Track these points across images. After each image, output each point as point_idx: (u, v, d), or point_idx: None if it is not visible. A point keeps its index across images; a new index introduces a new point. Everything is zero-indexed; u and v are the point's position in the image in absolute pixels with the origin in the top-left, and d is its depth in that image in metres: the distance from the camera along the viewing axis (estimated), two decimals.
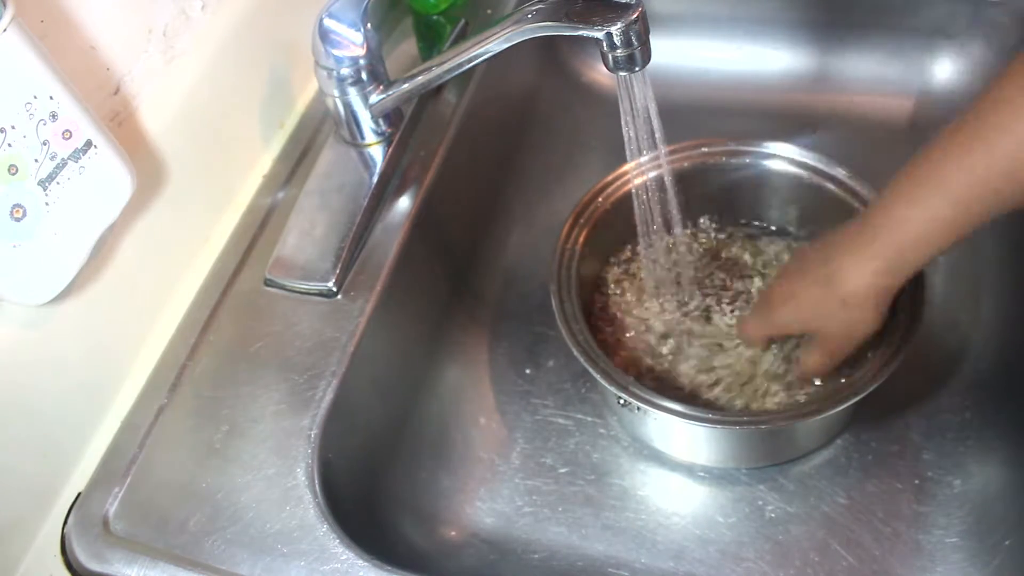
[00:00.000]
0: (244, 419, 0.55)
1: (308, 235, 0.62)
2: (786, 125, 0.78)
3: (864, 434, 0.61)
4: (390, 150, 0.66)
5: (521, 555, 0.59)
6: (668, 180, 0.59)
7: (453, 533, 0.60)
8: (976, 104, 0.48)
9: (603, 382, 0.56)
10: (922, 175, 0.50)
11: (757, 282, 0.66)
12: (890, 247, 0.51)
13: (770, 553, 0.57)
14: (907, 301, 0.56)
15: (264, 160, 0.69)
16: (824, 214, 0.65)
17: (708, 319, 0.65)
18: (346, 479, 0.56)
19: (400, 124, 0.67)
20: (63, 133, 0.47)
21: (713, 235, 0.70)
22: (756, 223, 0.70)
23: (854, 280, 0.52)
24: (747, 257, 0.68)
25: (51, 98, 0.46)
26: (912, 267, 0.52)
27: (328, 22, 0.59)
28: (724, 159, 0.66)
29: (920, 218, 0.50)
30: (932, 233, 0.50)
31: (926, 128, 0.76)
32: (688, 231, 0.69)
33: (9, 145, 0.44)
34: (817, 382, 0.60)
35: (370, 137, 0.65)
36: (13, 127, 0.44)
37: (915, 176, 0.50)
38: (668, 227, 0.62)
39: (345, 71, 0.61)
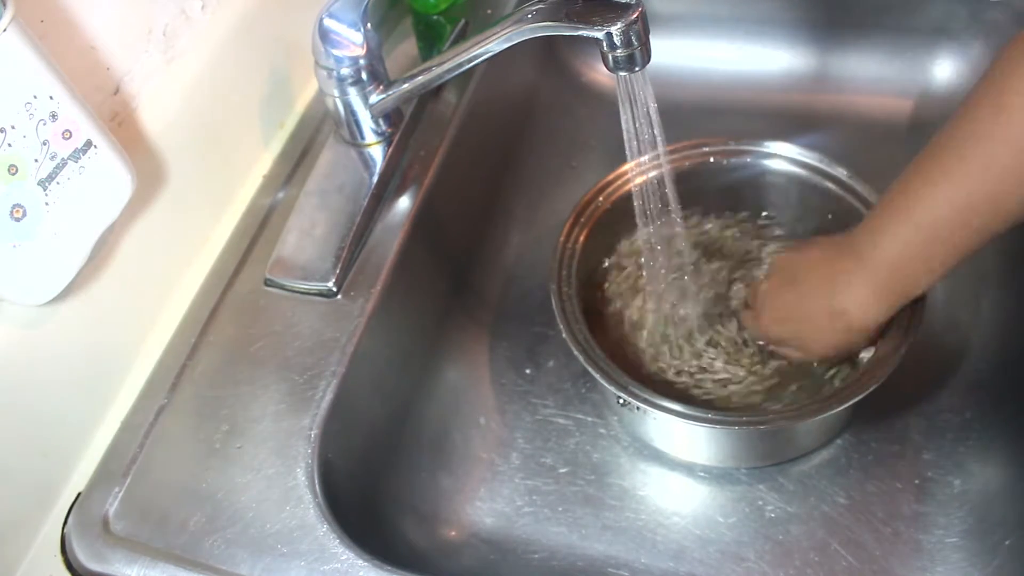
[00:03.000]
0: (244, 419, 0.55)
1: (308, 235, 0.62)
2: (786, 125, 0.78)
3: (864, 434, 0.61)
4: (390, 150, 0.66)
5: (521, 555, 0.59)
6: (668, 180, 0.59)
7: (453, 533, 0.60)
8: (939, 137, 0.49)
9: (603, 381, 0.56)
10: (894, 208, 0.51)
11: (755, 279, 0.66)
12: (885, 276, 0.52)
13: (770, 553, 0.57)
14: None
15: (264, 160, 0.69)
16: (824, 213, 0.65)
17: (708, 317, 0.65)
18: (346, 479, 0.56)
19: (400, 124, 0.67)
20: (63, 133, 0.47)
21: (713, 235, 0.69)
22: (756, 222, 0.69)
23: (864, 312, 0.53)
24: (746, 257, 0.68)
25: (51, 98, 0.46)
26: (914, 291, 0.53)
27: (328, 22, 0.59)
28: (724, 159, 0.66)
29: (901, 252, 0.51)
30: (917, 264, 0.51)
31: (926, 128, 0.76)
32: (688, 231, 0.69)
33: (9, 145, 0.44)
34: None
35: (370, 137, 0.65)
36: (13, 127, 0.44)
37: (890, 208, 0.51)
38: (668, 227, 0.62)
39: (345, 71, 0.61)
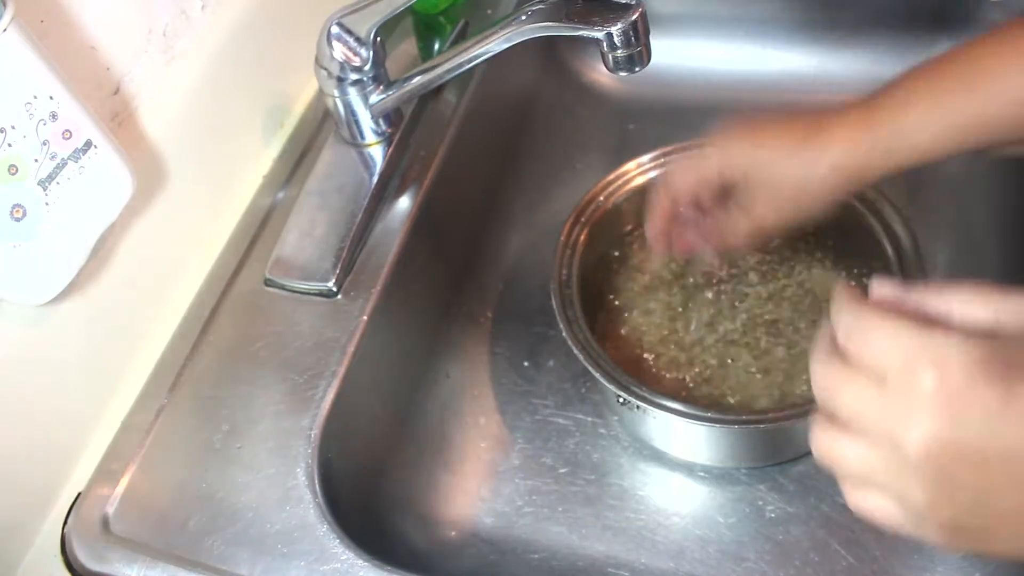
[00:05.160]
0: (244, 419, 0.55)
1: (308, 235, 0.62)
2: None
3: None
4: (390, 150, 0.66)
5: (521, 555, 0.59)
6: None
7: (453, 533, 0.60)
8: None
9: (603, 380, 0.56)
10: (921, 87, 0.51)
11: (756, 278, 0.66)
12: (885, 127, 0.50)
13: (770, 553, 0.57)
14: None
15: (264, 160, 0.69)
16: (825, 215, 0.65)
17: (709, 316, 0.65)
18: (346, 479, 0.56)
19: (400, 124, 0.67)
20: (63, 133, 0.47)
21: None
22: None
23: (836, 144, 0.50)
24: (746, 255, 0.68)
25: (51, 98, 0.46)
26: (895, 158, 0.50)
27: (336, 30, 0.59)
28: None
29: (917, 119, 0.49)
30: (923, 135, 0.49)
31: None
32: None
33: (9, 145, 0.44)
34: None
35: (370, 137, 0.65)
36: (13, 127, 0.44)
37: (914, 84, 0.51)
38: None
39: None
